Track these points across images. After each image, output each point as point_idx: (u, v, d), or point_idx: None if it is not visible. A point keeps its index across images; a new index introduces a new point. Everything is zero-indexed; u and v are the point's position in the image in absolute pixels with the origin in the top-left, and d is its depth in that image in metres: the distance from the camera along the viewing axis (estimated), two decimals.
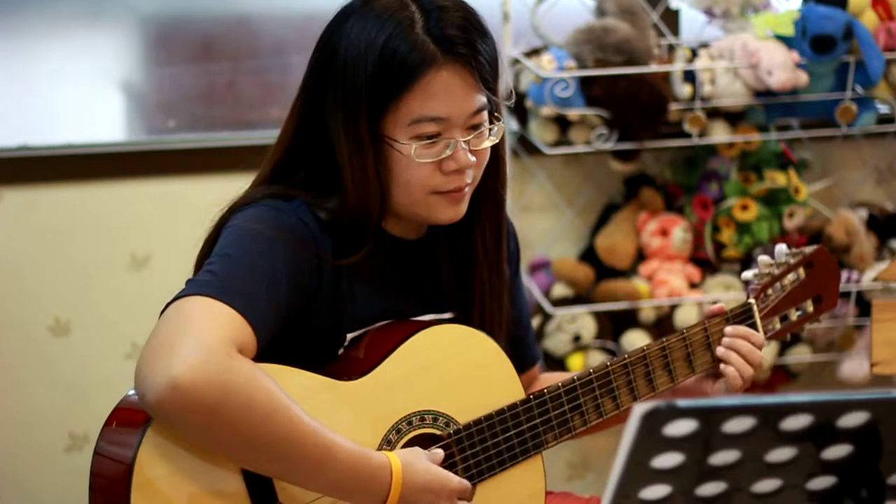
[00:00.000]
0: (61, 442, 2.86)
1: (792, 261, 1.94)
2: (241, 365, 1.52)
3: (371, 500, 1.62)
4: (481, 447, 1.75)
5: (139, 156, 2.89)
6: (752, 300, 1.91)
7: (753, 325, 1.90)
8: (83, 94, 2.89)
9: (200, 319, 1.54)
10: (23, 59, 2.85)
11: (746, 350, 1.85)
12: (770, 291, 1.93)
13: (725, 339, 1.86)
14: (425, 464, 1.66)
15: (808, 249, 1.96)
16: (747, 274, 1.95)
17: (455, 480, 1.68)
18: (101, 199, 2.84)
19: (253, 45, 2.97)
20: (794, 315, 1.95)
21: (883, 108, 2.94)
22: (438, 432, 1.74)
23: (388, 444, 1.69)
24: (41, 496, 2.86)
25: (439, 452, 1.70)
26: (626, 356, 1.82)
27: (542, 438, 1.78)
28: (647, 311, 2.90)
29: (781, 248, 1.95)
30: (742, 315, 1.90)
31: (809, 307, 1.96)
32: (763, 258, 1.94)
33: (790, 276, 1.94)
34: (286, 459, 1.56)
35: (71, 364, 2.84)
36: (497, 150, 1.79)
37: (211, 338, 1.51)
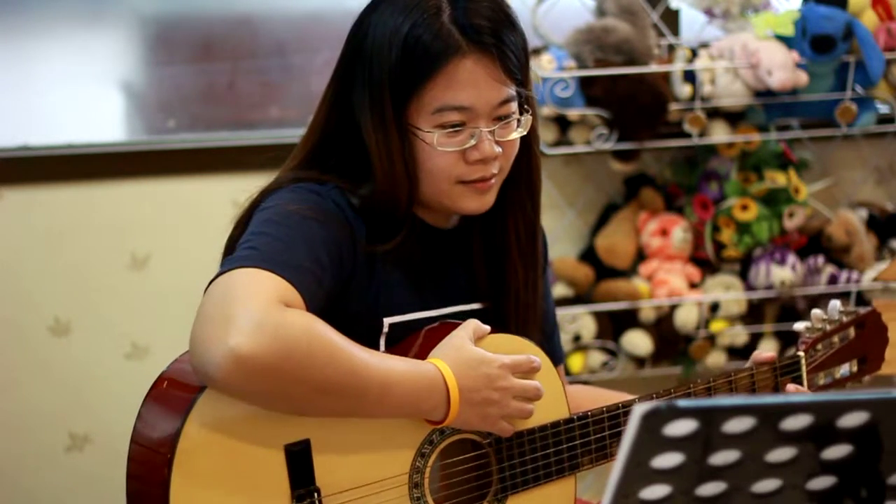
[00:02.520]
0: (61, 442, 2.86)
1: (845, 319, 1.96)
2: (294, 318, 1.52)
3: (434, 406, 1.63)
4: (519, 460, 1.74)
5: (139, 156, 2.88)
6: (801, 353, 1.92)
7: (799, 378, 1.91)
8: (83, 94, 2.89)
9: (247, 287, 1.53)
10: (23, 59, 2.85)
11: None
12: (819, 347, 1.94)
13: None
14: (469, 352, 1.65)
15: (863, 310, 1.98)
16: (799, 326, 1.96)
17: (506, 357, 1.67)
18: (101, 199, 2.83)
19: (253, 45, 2.97)
20: (838, 373, 1.97)
21: (883, 108, 2.94)
22: (479, 439, 1.73)
23: (429, 443, 1.69)
24: (41, 496, 2.86)
25: (484, 327, 1.70)
26: (672, 389, 1.82)
27: (579, 461, 1.78)
28: (647, 311, 2.90)
29: (835, 304, 1.96)
30: (790, 367, 1.91)
31: (854, 367, 1.98)
32: (816, 312, 1.95)
33: (840, 335, 1.96)
34: (355, 394, 1.56)
35: (71, 364, 2.84)
36: (528, 142, 1.79)
37: (260, 301, 1.51)
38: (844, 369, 1.97)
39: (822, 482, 1.28)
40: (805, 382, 1.91)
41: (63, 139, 2.85)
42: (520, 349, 1.73)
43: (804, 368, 1.91)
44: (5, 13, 2.83)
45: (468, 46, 1.67)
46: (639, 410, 1.16)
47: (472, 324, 1.70)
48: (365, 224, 1.72)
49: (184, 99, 2.95)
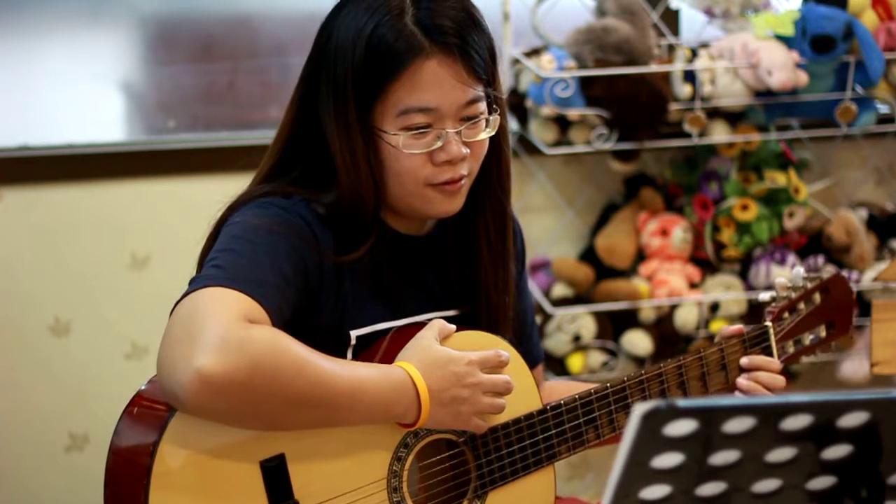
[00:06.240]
0: (61, 442, 2.86)
1: (809, 285, 1.95)
2: (258, 333, 1.52)
3: (405, 409, 1.62)
4: (496, 455, 1.74)
5: (139, 156, 2.89)
6: (768, 323, 1.91)
7: (768, 349, 1.91)
8: (83, 94, 2.89)
9: (211, 306, 1.53)
10: (23, 59, 2.85)
11: (768, 380, 1.87)
12: (786, 315, 1.94)
13: (743, 379, 1.87)
14: (436, 352, 1.65)
15: (826, 275, 1.97)
16: (764, 296, 1.96)
17: (473, 354, 1.67)
18: (101, 199, 2.84)
19: (253, 45, 2.97)
20: (807, 339, 1.96)
21: (883, 108, 2.94)
22: (454, 438, 1.73)
23: (405, 447, 1.69)
24: (41, 496, 2.86)
25: (449, 326, 1.70)
26: (643, 372, 1.82)
27: (556, 450, 1.78)
28: (647, 311, 2.90)
29: (799, 271, 1.95)
30: (758, 338, 1.90)
31: (822, 332, 1.98)
32: (780, 280, 1.94)
33: (806, 301, 1.95)
34: (326, 404, 1.56)
35: (71, 364, 2.84)
36: (498, 142, 1.78)
37: (224, 319, 1.50)
38: (813, 335, 1.97)
39: (822, 482, 1.28)
40: (775, 352, 1.91)
41: (63, 139, 2.85)
42: (487, 345, 1.72)
43: (773, 338, 1.91)
44: (5, 13, 2.83)
45: (431, 47, 1.66)
46: (639, 410, 1.16)
47: (438, 324, 1.70)
48: (332, 234, 1.71)
49: (184, 99, 2.95)
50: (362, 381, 1.59)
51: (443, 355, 1.65)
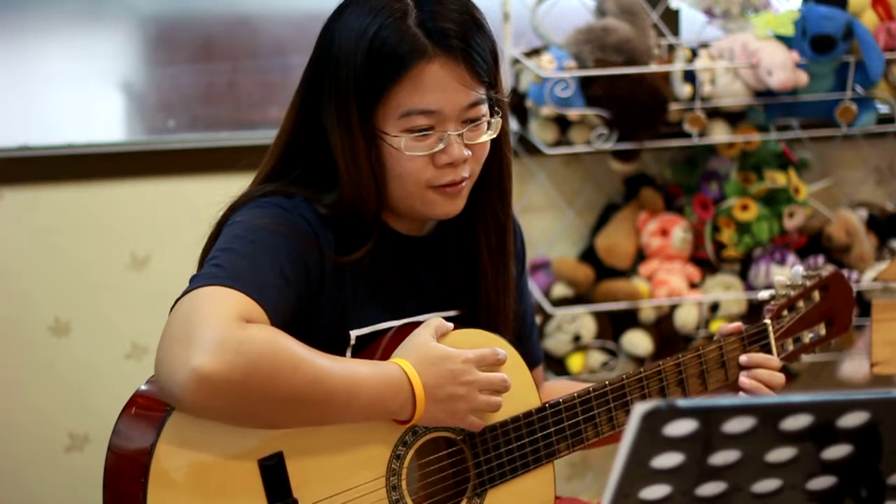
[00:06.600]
0: (61, 442, 2.86)
1: (808, 283, 1.96)
2: (255, 332, 1.52)
3: (401, 406, 1.63)
4: (494, 453, 1.74)
5: (139, 156, 2.88)
6: (767, 321, 1.91)
7: (767, 346, 1.91)
8: (83, 94, 2.89)
9: (209, 306, 1.53)
10: (23, 60, 2.85)
11: (767, 377, 1.87)
12: (785, 313, 1.94)
13: (745, 377, 1.87)
14: (432, 349, 1.65)
15: (825, 273, 1.98)
16: (763, 294, 1.96)
17: (469, 351, 1.67)
18: (101, 199, 2.84)
19: (253, 45, 2.97)
20: (806, 337, 1.96)
21: (883, 108, 2.94)
22: (453, 436, 1.73)
23: (403, 444, 1.69)
24: (41, 496, 2.86)
25: (447, 325, 1.70)
26: (641, 370, 1.82)
27: (555, 448, 1.78)
28: (647, 311, 2.90)
29: (798, 270, 1.95)
30: (757, 336, 1.90)
31: (822, 330, 1.97)
32: (779, 279, 1.95)
33: (805, 299, 1.95)
34: (322, 401, 1.56)
35: (71, 364, 2.84)
36: (500, 145, 1.78)
37: (221, 319, 1.51)
38: (813, 333, 1.97)
39: (822, 482, 1.28)
40: (774, 350, 1.91)
41: (63, 139, 2.85)
42: (485, 343, 1.73)
43: (772, 336, 1.91)
44: (5, 13, 2.83)
45: (434, 50, 1.66)
46: (639, 410, 1.16)
47: (435, 322, 1.70)
48: (333, 235, 1.71)
49: (184, 99, 2.95)
50: (358, 377, 1.59)
51: (439, 352, 1.65)
